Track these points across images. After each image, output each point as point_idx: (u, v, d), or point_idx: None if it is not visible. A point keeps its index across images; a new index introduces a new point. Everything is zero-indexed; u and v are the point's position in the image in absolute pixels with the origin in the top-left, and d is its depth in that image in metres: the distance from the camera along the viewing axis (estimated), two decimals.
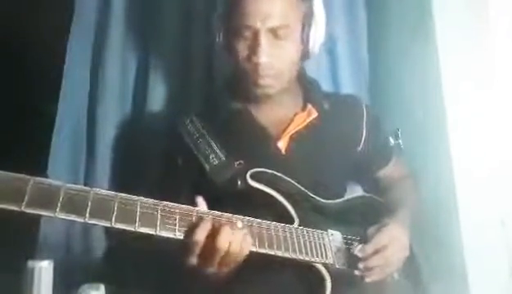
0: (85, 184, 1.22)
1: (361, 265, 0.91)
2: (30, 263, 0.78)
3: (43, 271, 0.77)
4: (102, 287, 0.83)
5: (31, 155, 1.23)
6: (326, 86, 1.29)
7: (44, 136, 1.22)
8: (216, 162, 0.98)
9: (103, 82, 1.27)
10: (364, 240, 0.93)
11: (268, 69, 0.97)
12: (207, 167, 0.98)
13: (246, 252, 0.81)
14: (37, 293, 0.76)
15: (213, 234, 0.78)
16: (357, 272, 0.91)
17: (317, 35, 1.03)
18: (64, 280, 0.85)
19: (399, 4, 1.32)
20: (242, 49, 0.98)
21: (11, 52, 1.50)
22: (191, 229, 0.78)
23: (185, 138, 1.03)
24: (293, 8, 0.99)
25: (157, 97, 1.28)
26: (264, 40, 0.96)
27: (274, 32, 0.96)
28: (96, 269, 1.19)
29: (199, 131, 1.03)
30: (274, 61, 0.97)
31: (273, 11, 0.96)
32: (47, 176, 1.16)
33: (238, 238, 0.79)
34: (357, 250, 0.92)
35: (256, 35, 0.96)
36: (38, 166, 1.16)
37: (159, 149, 1.12)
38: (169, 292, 1.00)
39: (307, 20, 1.01)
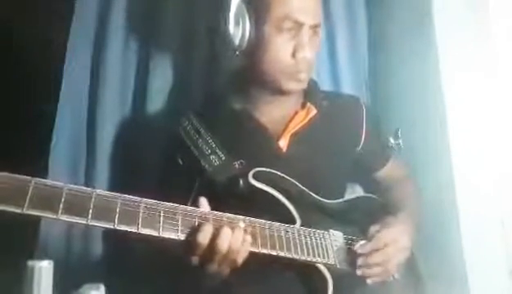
0: (85, 184, 1.22)
1: (360, 262, 0.91)
2: (30, 263, 0.77)
3: (43, 271, 0.77)
4: (102, 287, 0.82)
5: (31, 155, 1.23)
6: (326, 86, 1.29)
7: (44, 136, 1.22)
8: (217, 162, 0.98)
9: (103, 82, 1.27)
10: (366, 238, 0.93)
11: (308, 64, 0.99)
12: (208, 167, 0.97)
13: (246, 252, 0.81)
14: (37, 293, 0.76)
15: (214, 235, 0.78)
16: (357, 271, 0.91)
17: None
18: (64, 280, 0.85)
19: (399, 4, 1.32)
20: (284, 43, 0.96)
21: (11, 52, 1.50)
22: (194, 231, 0.78)
23: (185, 138, 1.03)
24: (320, 7, 1.01)
25: (157, 97, 1.28)
26: (307, 35, 0.96)
27: (314, 28, 0.97)
28: (96, 269, 1.20)
29: (199, 131, 1.03)
30: (313, 56, 0.99)
31: (315, 7, 0.98)
32: (47, 176, 1.17)
33: (238, 238, 0.79)
34: (358, 246, 0.92)
35: (300, 30, 0.96)
36: (38, 166, 1.15)
37: (159, 150, 1.12)
38: (169, 292, 1.00)
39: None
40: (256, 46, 0.97)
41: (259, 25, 0.96)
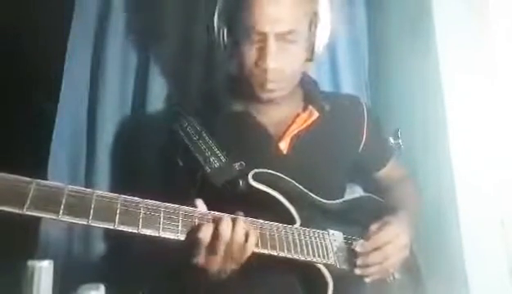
0: (85, 185, 1.22)
1: (359, 261, 0.91)
2: (30, 263, 0.78)
3: (43, 271, 0.77)
4: (102, 287, 0.83)
5: (31, 155, 1.23)
6: (326, 86, 1.29)
7: (44, 136, 1.22)
8: (217, 163, 0.98)
9: (103, 82, 1.27)
10: (365, 236, 0.93)
11: (277, 74, 0.97)
12: (208, 168, 0.97)
13: (251, 247, 0.80)
14: (37, 293, 0.76)
15: (215, 233, 0.78)
16: (356, 269, 0.92)
17: (322, 36, 1.02)
18: (64, 280, 0.85)
19: (399, 4, 1.33)
20: (249, 53, 0.96)
21: (11, 52, 1.50)
22: (194, 231, 0.78)
23: (185, 139, 1.03)
24: (301, 11, 0.97)
25: (157, 97, 1.28)
26: (273, 45, 0.94)
27: (283, 36, 0.95)
28: (96, 269, 1.20)
29: (199, 132, 1.03)
30: (282, 66, 0.96)
31: (282, 15, 0.94)
32: (46, 176, 1.18)
33: (239, 231, 0.79)
34: (357, 245, 0.92)
35: (265, 40, 0.94)
36: (38, 166, 1.15)
37: (159, 150, 1.12)
38: (169, 292, 1.00)
39: (313, 21, 1.00)
40: (231, 55, 1.00)
41: (233, 34, 0.98)
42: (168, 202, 0.79)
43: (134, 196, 0.76)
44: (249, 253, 0.81)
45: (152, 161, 1.15)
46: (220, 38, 1.00)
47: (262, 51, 0.95)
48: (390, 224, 0.94)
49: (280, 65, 0.96)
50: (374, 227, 0.94)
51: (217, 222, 0.78)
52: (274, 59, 0.94)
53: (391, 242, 0.92)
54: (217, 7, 1.00)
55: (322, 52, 1.05)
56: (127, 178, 1.22)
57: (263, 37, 0.94)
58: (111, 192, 0.75)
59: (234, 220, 0.79)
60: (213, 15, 1.00)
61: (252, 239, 0.80)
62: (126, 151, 1.25)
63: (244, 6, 0.95)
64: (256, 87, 0.99)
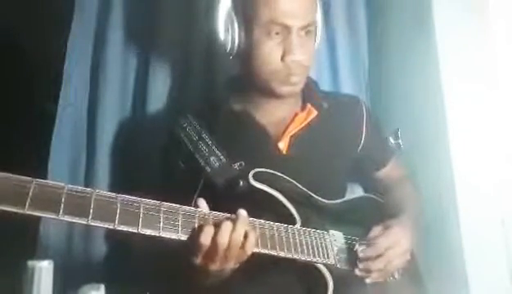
0: (85, 185, 1.22)
1: (361, 266, 0.91)
2: (30, 263, 0.78)
3: (43, 271, 0.77)
4: (102, 287, 0.83)
5: (31, 155, 1.23)
6: (326, 86, 1.29)
7: (44, 136, 1.22)
8: (216, 163, 0.98)
9: (103, 82, 1.27)
10: (367, 240, 0.93)
11: (300, 67, 0.97)
12: (207, 168, 0.97)
13: (252, 247, 0.81)
14: (37, 293, 0.76)
15: (215, 233, 0.78)
16: (357, 271, 0.91)
17: (319, 30, 1.04)
18: (64, 280, 0.85)
19: (399, 4, 1.33)
20: (273, 47, 0.96)
21: (11, 52, 1.50)
22: (195, 231, 0.78)
23: (184, 139, 1.03)
24: (316, 3, 1.00)
25: (157, 97, 1.27)
26: (297, 38, 0.95)
27: (305, 29, 0.96)
28: (96, 269, 1.20)
29: (198, 132, 1.03)
30: (306, 58, 0.98)
31: (303, 7, 0.96)
32: (46, 176, 1.17)
33: (239, 231, 0.79)
34: (360, 250, 0.92)
35: (289, 33, 0.95)
36: (38, 166, 1.15)
37: (159, 150, 1.12)
38: (169, 293, 1.00)
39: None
40: (246, 51, 0.98)
41: (248, 31, 0.97)
42: (169, 202, 0.79)
43: (134, 196, 0.76)
44: (248, 254, 0.81)
45: (152, 161, 1.15)
46: (229, 38, 0.98)
47: (287, 46, 0.95)
48: (392, 228, 0.94)
49: (304, 58, 0.97)
50: (375, 231, 0.93)
51: (216, 227, 0.78)
52: (300, 52, 0.95)
53: (393, 248, 0.92)
54: (219, 7, 0.98)
55: (320, 51, 1.07)
56: (127, 178, 1.22)
57: (286, 31, 0.95)
58: (111, 191, 0.75)
59: (234, 223, 0.79)
60: (217, 15, 0.99)
61: (251, 242, 0.80)
62: (126, 151, 1.25)
63: (262, 1, 0.95)
64: (278, 83, 0.99)
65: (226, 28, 0.98)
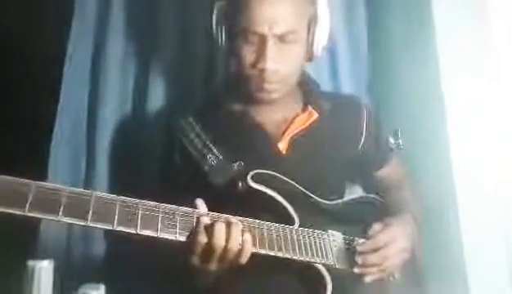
0: (85, 186, 1.22)
1: (358, 259, 0.91)
2: (30, 263, 0.78)
3: (43, 271, 0.77)
4: (102, 287, 0.83)
5: (31, 156, 1.23)
6: (326, 86, 1.29)
7: (44, 137, 1.22)
8: (215, 163, 0.98)
9: (103, 82, 1.27)
10: (366, 236, 0.93)
11: (274, 75, 0.96)
12: (206, 168, 0.98)
13: (248, 250, 0.81)
14: (37, 293, 0.76)
15: (209, 241, 0.78)
16: (355, 269, 0.91)
17: (321, 37, 1.02)
18: (64, 280, 0.85)
19: (399, 4, 1.32)
20: (247, 54, 0.96)
21: (11, 53, 1.50)
22: (192, 232, 0.78)
23: (183, 140, 1.03)
24: (300, 11, 0.97)
25: (157, 98, 1.28)
26: (271, 46, 0.94)
27: (281, 37, 0.95)
28: (96, 269, 1.20)
29: (198, 132, 1.03)
30: (280, 66, 0.96)
31: (280, 16, 0.94)
32: (46, 176, 1.18)
33: (234, 234, 0.79)
34: (358, 244, 0.93)
35: (263, 41, 0.94)
36: (38, 166, 1.16)
37: (158, 150, 1.12)
38: (169, 293, 1.00)
39: (312, 22, 1.00)
40: (229, 55, 1.01)
41: (231, 36, 0.99)
42: (167, 203, 0.79)
43: (133, 195, 0.77)
44: (245, 257, 0.81)
45: (152, 161, 1.16)
46: (218, 39, 1.00)
47: (260, 53, 0.95)
48: (391, 225, 0.95)
49: (279, 66, 0.96)
50: (375, 228, 0.94)
51: (213, 228, 0.78)
52: (272, 60, 0.94)
53: (390, 244, 0.92)
54: (214, 9, 1.00)
55: (321, 53, 1.05)
56: (126, 178, 1.22)
57: (261, 38, 0.94)
58: (111, 191, 0.76)
59: (229, 226, 0.80)
60: (212, 16, 1.00)
61: (247, 245, 0.81)
62: (125, 151, 1.26)
63: (242, 7, 0.95)
64: (254, 88, 0.99)
65: (216, 30, 1.00)
